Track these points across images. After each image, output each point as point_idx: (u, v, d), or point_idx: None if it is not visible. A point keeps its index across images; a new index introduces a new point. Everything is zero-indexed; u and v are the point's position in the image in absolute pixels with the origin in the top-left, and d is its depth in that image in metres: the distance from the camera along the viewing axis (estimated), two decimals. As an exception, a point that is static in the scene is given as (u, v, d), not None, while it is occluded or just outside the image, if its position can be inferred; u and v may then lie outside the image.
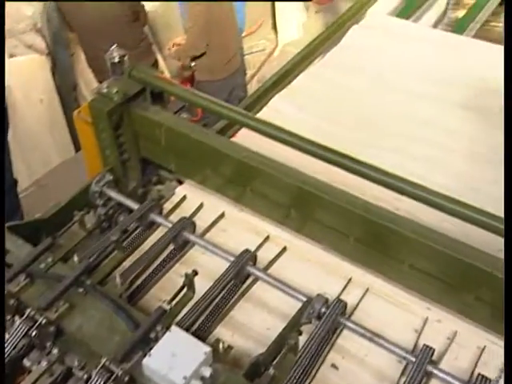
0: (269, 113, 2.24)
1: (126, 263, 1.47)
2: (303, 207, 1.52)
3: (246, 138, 1.85)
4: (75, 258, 1.35)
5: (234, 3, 3.60)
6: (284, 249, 1.59)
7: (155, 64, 3.93)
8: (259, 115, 2.24)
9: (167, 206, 1.71)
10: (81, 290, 1.23)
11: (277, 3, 5.48)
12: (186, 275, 1.32)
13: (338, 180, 1.59)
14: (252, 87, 4.59)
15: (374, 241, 1.39)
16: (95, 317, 1.18)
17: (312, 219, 1.52)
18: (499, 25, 3.58)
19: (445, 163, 1.94)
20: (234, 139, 2.01)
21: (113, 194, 1.62)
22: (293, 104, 2.29)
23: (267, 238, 1.61)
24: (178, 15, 4.03)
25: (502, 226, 1.21)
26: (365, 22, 2.83)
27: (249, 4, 4.07)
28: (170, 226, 1.54)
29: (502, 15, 3.53)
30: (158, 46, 4.30)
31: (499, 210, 1.71)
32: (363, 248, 1.43)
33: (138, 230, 1.59)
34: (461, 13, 3.44)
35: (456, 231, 1.35)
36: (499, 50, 2.54)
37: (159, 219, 1.59)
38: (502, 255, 1.16)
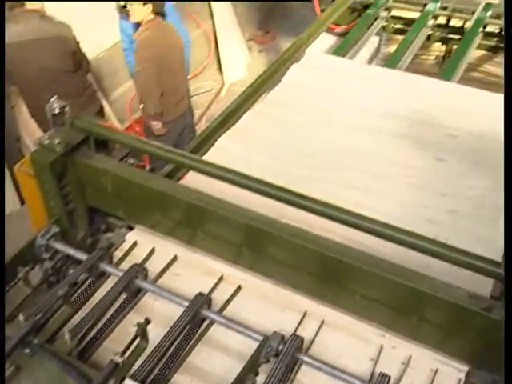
0: (216, 153, 2.27)
1: (76, 318, 1.42)
2: (255, 245, 1.54)
3: (194, 179, 1.87)
4: (21, 317, 1.29)
5: (182, 46, 3.68)
6: (239, 288, 1.59)
7: (100, 111, 3.91)
8: (207, 156, 2.27)
9: (118, 254, 1.68)
10: (27, 350, 1.18)
11: (220, 45, 5.62)
12: (139, 324, 1.29)
13: (288, 215, 1.62)
14: (201, 127, 4.64)
15: (325, 273, 1.42)
16: (44, 378, 1.13)
17: (264, 256, 1.53)
18: (429, 57, 3.82)
19: (387, 192, 2.02)
20: (182, 181, 2.02)
21: (60, 246, 1.58)
22: (239, 143, 2.33)
23: (221, 278, 1.61)
24: (123, 61, 4.07)
25: (443, 251, 1.27)
26: (304, 61, 2.95)
27: (194, 46, 4.16)
28: (121, 274, 1.51)
29: (432, 48, 3.77)
30: (103, 93, 4.30)
31: (442, 234, 1.81)
32: (316, 281, 1.45)
33: (87, 282, 1.55)
34: (393, 48, 3.65)
35: (401, 255, 1.40)
36: (430, 82, 2.72)
37: (109, 268, 1.56)
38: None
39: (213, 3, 5.34)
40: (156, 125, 3.58)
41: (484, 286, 1.54)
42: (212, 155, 2.25)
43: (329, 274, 1.42)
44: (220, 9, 5.42)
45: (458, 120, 2.38)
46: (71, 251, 1.58)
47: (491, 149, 2.21)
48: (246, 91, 2.67)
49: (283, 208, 1.57)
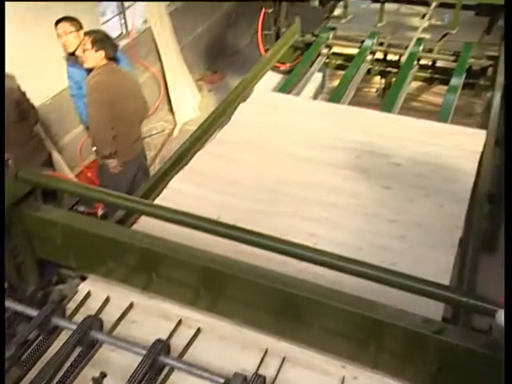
0: (169, 194, 2.27)
1: (27, 379, 1.36)
2: (211, 285, 1.53)
3: (149, 222, 1.85)
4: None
5: (138, 88, 3.70)
6: (198, 330, 1.57)
7: (49, 159, 3.84)
8: (160, 198, 2.26)
9: (71, 306, 1.63)
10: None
11: (170, 86, 5.68)
12: (94, 379, 1.25)
13: (244, 250, 1.63)
14: (155, 168, 4.62)
15: (283, 308, 1.43)
16: None
17: (221, 296, 1.52)
18: (371, 90, 4.00)
19: (339, 222, 2.07)
20: (136, 225, 2.00)
21: (8, 303, 1.51)
22: (192, 183, 2.35)
23: (180, 322, 1.59)
24: (71, 107, 4.03)
25: (395, 279, 1.31)
26: (251, 99, 3.02)
27: (144, 89, 4.20)
28: (75, 327, 1.46)
29: (372, 81, 3.95)
30: (52, 140, 4.23)
31: (394, 260, 1.86)
32: (274, 317, 1.46)
33: (39, 339, 1.49)
34: (337, 82, 3.80)
35: (358, 283, 1.43)
36: (372, 114, 2.85)
37: (62, 322, 1.51)
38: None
39: (160, 48, 5.42)
40: (111, 162, 3.55)
41: (438, 307, 1.59)
42: (166, 197, 2.25)
43: (286, 309, 1.42)
44: (167, 52, 5.50)
45: (400, 149, 2.49)
46: (21, 307, 1.52)
47: (433, 174, 2.32)
48: (197, 131, 2.71)
49: (238, 247, 1.59)
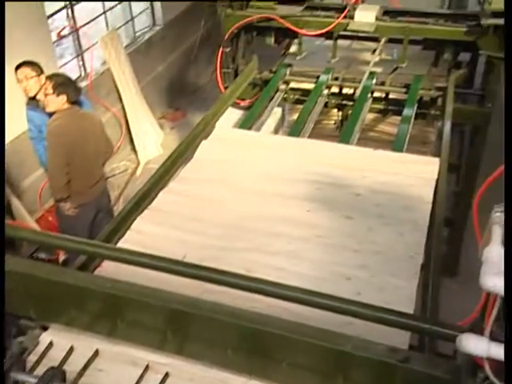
0: (133, 236, 2.25)
1: None
2: (178, 327, 1.51)
3: (112, 266, 1.82)
4: None
5: (100, 131, 3.69)
6: (166, 375, 1.54)
7: (8, 207, 3.76)
8: (124, 239, 2.24)
9: (32, 359, 1.57)
10: None
11: (132, 125, 5.68)
12: None
13: (211, 289, 1.63)
14: (119, 208, 4.56)
15: (250, 345, 1.42)
16: None
17: (188, 338, 1.50)
18: (330, 122, 4.11)
19: (304, 254, 2.09)
20: (99, 269, 1.96)
21: (-36, 360, 1.45)
22: (156, 223, 2.33)
23: (147, 368, 1.55)
24: (31, 150, 3.97)
25: (358, 309, 1.33)
26: (213, 136, 3.06)
27: (106, 128, 4.18)
28: (36, 381, 1.41)
29: (330, 114, 4.07)
30: (11, 185, 4.14)
31: (358, 289, 1.89)
32: (242, 355, 1.44)
33: (-2, 396, 1.42)
34: (296, 116, 3.90)
35: (325, 315, 1.44)
36: (331, 146, 2.93)
37: (23, 376, 1.45)
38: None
39: (120, 88, 5.45)
40: (64, 206, 3.51)
41: (405, 335, 1.61)
42: (129, 239, 2.23)
43: (253, 346, 1.42)
44: (128, 92, 5.53)
45: (359, 179, 2.56)
46: (-23, 364, 1.45)
47: (392, 202, 2.39)
48: (159, 170, 2.70)
49: (204, 286, 1.59)
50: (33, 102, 3.74)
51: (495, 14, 3.11)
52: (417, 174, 2.55)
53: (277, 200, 2.44)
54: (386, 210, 2.34)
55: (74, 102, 3.47)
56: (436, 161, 2.65)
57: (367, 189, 2.48)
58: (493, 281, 0.92)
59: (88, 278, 1.60)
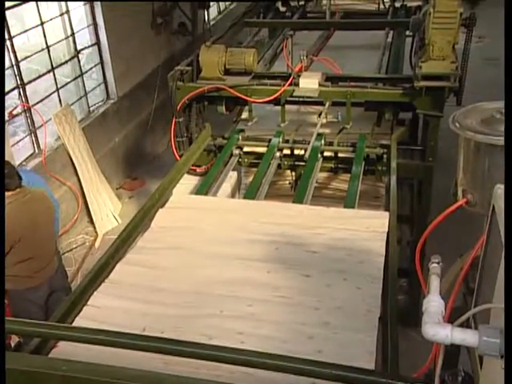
0: (90, 312, 2.20)
1: None
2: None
3: (67, 344, 1.77)
4: None
5: (51, 209, 3.62)
6: None
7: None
8: (81, 315, 2.18)
9: None
10: None
11: (88, 198, 5.64)
12: None
13: (172, 360, 1.60)
14: (77, 283, 4.43)
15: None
16: None
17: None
18: (285, 182, 4.24)
19: (265, 316, 2.10)
20: (55, 350, 1.89)
21: None
22: (113, 296, 2.30)
23: None
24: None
25: (317, 369, 1.34)
26: (169, 204, 3.09)
27: (61, 203, 4.14)
28: None
29: (284, 174, 4.19)
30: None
31: (321, 347, 1.89)
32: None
33: None
34: (252, 178, 4.00)
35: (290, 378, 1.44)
36: (285, 206, 3.01)
37: None
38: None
39: (75, 162, 5.45)
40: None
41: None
42: (86, 315, 2.18)
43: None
44: (83, 165, 5.54)
45: (315, 237, 2.62)
46: None
47: (348, 257, 2.46)
48: (116, 242, 2.69)
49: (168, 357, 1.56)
50: None
51: (426, 77, 3.38)
52: (369, 229, 2.65)
53: (236, 263, 2.47)
54: (342, 266, 2.40)
55: (18, 186, 3.42)
56: (386, 214, 2.76)
57: (323, 246, 2.54)
58: (434, 330, 0.96)
59: (41, 361, 1.55)
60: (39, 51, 5.31)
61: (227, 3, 10.49)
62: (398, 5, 6.23)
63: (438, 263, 1.03)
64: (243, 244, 2.61)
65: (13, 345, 1.78)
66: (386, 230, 2.62)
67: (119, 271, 2.48)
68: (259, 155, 3.92)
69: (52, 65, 5.43)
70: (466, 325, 1.13)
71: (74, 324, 2.09)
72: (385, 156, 3.58)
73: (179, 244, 2.66)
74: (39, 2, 5.19)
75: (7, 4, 4.68)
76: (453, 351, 1.23)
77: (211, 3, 8.61)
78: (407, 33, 4.99)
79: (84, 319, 2.14)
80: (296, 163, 3.84)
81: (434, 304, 0.97)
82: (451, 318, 1.19)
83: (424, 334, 0.97)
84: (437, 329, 0.94)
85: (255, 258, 2.49)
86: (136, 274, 2.45)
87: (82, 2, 5.89)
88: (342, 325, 2.03)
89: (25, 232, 3.32)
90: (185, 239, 2.70)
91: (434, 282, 1.02)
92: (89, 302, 2.26)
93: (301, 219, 2.81)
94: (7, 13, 4.67)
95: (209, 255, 2.55)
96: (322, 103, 3.89)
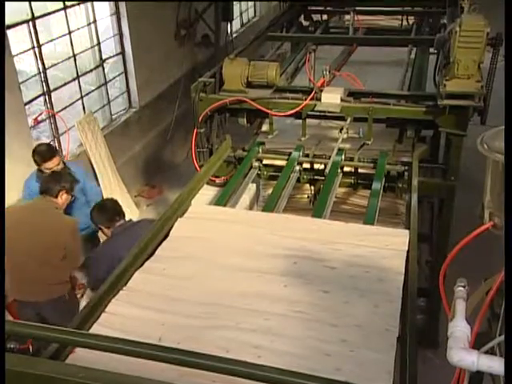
0: (107, 319, 2.21)
1: None
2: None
3: (86, 352, 1.78)
4: None
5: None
6: None
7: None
8: (98, 322, 2.19)
9: None
10: None
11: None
12: None
13: (188, 372, 1.59)
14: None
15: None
16: None
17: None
18: (303, 196, 4.23)
19: (283, 331, 2.08)
20: (73, 356, 1.91)
21: None
22: (131, 304, 2.30)
23: None
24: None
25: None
26: (188, 214, 3.10)
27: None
28: None
29: (303, 188, 4.18)
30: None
31: (339, 364, 1.87)
32: None
33: None
34: (271, 190, 4.01)
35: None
36: (304, 221, 2.99)
37: None
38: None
39: (96, 168, 5.52)
40: None
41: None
42: (103, 322, 2.19)
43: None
44: (104, 171, 5.60)
45: (333, 252, 2.60)
46: None
47: (366, 274, 2.43)
48: (133, 250, 2.70)
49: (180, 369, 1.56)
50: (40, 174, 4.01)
51: (450, 96, 3.36)
52: (388, 246, 2.62)
53: (254, 276, 2.45)
54: (360, 283, 2.37)
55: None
56: (406, 233, 2.73)
57: (342, 262, 2.52)
58: (459, 355, 0.94)
59: (59, 367, 1.56)
60: (66, 59, 5.42)
61: (250, 16, 10.61)
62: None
63: (463, 287, 1.01)
64: (261, 257, 2.60)
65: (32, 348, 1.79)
66: (406, 248, 2.59)
67: (137, 280, 2.49)
68: (279, 168, 3.91)
69: (77, 73, 5.54)
70: (490, 351, 1.11)
71: (92, 331, 2.12)
72: (405, 173, 3.54)
73: (197, 254, 2.66)
74: (68, 12, 5.32)
75: (37, 12, 4.80)
76: (476, 377, 1.20)
77: (234, 16, 8.72)
78: (431, 50, 4.98)
79: (101, 326, 2.15)
80: (315, 177, 3.82)
81: (459, 329, 0.95)
82: (475, 343, 1.17)
83: (449, 359, 0.95)
84: (463, 355, 0.92)
85: (273, 271, 2.48)
86: (154, 282, 2.46)
87: (109, 13, 6.01)
88: (359, 343, 2.00)
89: (10, 236, 3.14)
90: (203, 250, 2.70)
91: (460, 306, 1.00)
92: (106, 309, 2.27)
93: (320, 234, 2.79)
94: (37, 22, 4.78)
95: (226, 267, 2.54)
96: (343, 118, 3.88)
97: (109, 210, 3.56)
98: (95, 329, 2.13)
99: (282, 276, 2.44)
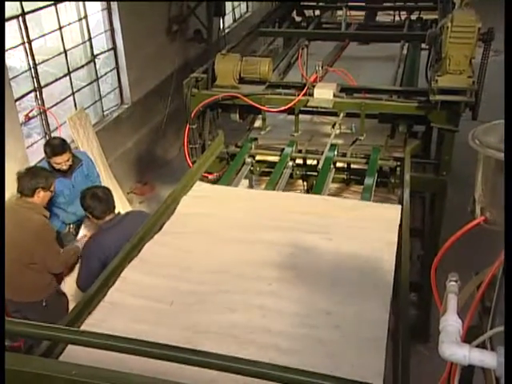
0: (122, 285, 2.36)
1: None
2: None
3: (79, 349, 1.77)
4: None
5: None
6: None
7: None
8: (114, 288, 2.35)
9: None
10: None
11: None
12: None
13: (185, 371, 1.59)
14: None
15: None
16: None
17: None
18: (297, 192, 4.22)
19: (284, 293, 2.23)
20: (67, 351, 1.90)
21: None
22: (144, 273, 2.45)
23: None
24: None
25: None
26: (191, 192, 3.23)
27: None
28: None
29: (296, 184, 4.18)
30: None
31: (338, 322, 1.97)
32: None
33: None
34: (263, 187, 4.01)
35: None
36: (306, 198, 3.26)
37: None
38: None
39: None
40: None
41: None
42: (119, 287, 2.36)
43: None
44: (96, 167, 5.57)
45: (330, 225, 2.76)
46: None
47: (360, 244, 2.56)
48: (127, 246, 2.69)
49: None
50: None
51: (442, 91, 3.37)
52: (381, 218, 2.80)
53: (257, 247, 2.61)
54: (355, 252, 2.51)
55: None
56: (398, 207, 2.91)
57: (338, 234, 2.67)
58: (450, 349, 0.95)
59: (52, 365, 1.55)
60: (57, 55, 5.37)
61: (242, 12, 10.58)
62: (413, 17, 6.24)
63: (455, 281, 1.02)
64: (264, 229, 2.74)
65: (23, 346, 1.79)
66: (398, 220, 2.75)
67: (148, 250, 2.63)
68: (271, 164, 3.92)
69: (68, 69, 5.49)
70: (481, 345, 1.12)
71: (108, 296, 2.29)
72: (398, 169, 3.56)
73: (203, 228, 2.80)
74: (58, 7, 5.26)
75: (27, 8, 4.75)
76: (467, 371, 1.21)
77: (227, 11, 8.68)
78: (422, 46, 4.99)
79: (118, 291, 2.33)
80: (308, 173, 3.83)
81: (451, 323, 0.96)
82: (466, 337, 1.18)
83: (441, 354, 0.96)
84: (454, 349, 0.93)
85: (276, 242, 2.61)
86: (163, 254, 2.60)
87: (100, 8, 5.96)
88: (357, 300, 2.17)
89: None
90: (209, 225, 2.83)
91: (452, 301, 1.00)
92: (122, 275, 2.43)
93: (318, 208, 2.94)
94: (26, 17, 4.74)
95: (232, 239, 2.69)
96: (336, 114, 3.88)
97: (106, 201, 3.50)
98: (111, 294, 2.30)
99: (284, 246, 2.57)
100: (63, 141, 4.16)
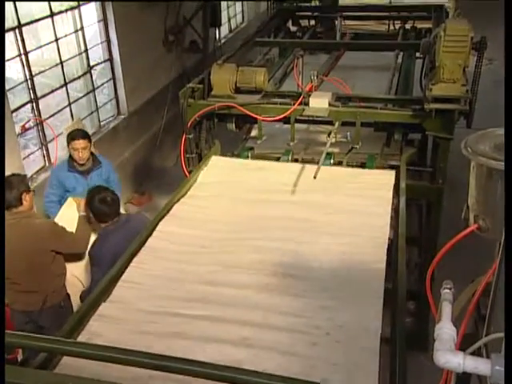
0: (160, 235, 2.87)
1: None
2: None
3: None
4: None
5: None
6: None
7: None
8: (153, 236, 2.86)
9: None
10: None
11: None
12: None
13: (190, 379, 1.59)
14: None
15: None
16: None
17: None
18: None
19: (299, 238, 2.77)
20: (63, 363, 1.89)
21: None
22: (176, 225, 2.97)
23: None
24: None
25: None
26: (209, 166, 3.70)
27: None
28: None
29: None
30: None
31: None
32: None
33: None
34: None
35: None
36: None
37: None
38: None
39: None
40: None
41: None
42: (159, 236, 2.86)
43: None
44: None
45: (334, 192, 3.27)
46: None
47: (358, 208, 3.04)
48: (123, 258, 2.69)
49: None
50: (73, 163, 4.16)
51: (436, 99, 3.39)
52: (377, 182, 3.30)
53: (275, 205, 3.14)
54: (353, 213, 3.02)
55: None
56: (392, 172, 3.41)
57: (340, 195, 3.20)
58: (446, 357, 0.95)
59: (49, 377, 1.54)
60: (53, 66, 5.39)
61: (238, 22, 10.65)
62: (408, 27, 6.30)
63: (449, 289, 1.02)
64: (281, 192, 3.28)
65: (19, 359, 1.77)
66: (393, 182, 3.27)
67: (177, 210, 3.12)
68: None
69: (65, 80, 5.52)
70: (477, 352, 1.12)
71: (148, 244, 2.79)
72: (394, 177, 3.56)
73: (224, 193, 3.32)
74: (55, 19, 5.30)
75: (23, 20, 4.78)
76: (463, 378, 1.21)
77: (222, 22, 8.73)
78: (417, 55, 5.03)
79: (155, 240, 2.82)
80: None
81: (446, 331, 0.96)
82: (462, 344, 1.18)
83: (436, 361, 0.96)
84: (449, 356, 0.93)
85: (288, 200, 3.17)
86: (190, 211, 3.11)
87: (97, 19, 6.00)
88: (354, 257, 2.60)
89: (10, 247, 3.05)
90: (229, 189, 3.37)
91: (446, 309, 1.01)
92: (157, 228, 2.92)
93: (326, 175, 3.37)
94: (23, 29, 4.76)
95: (252, 200, 3.22)
96: (331, 123, 3.90)
97: (113, 206, 3.48)
98: (151, 241, 2.79)
99: (295, 204, 3.15)
100: (85, 132, 4.28)
